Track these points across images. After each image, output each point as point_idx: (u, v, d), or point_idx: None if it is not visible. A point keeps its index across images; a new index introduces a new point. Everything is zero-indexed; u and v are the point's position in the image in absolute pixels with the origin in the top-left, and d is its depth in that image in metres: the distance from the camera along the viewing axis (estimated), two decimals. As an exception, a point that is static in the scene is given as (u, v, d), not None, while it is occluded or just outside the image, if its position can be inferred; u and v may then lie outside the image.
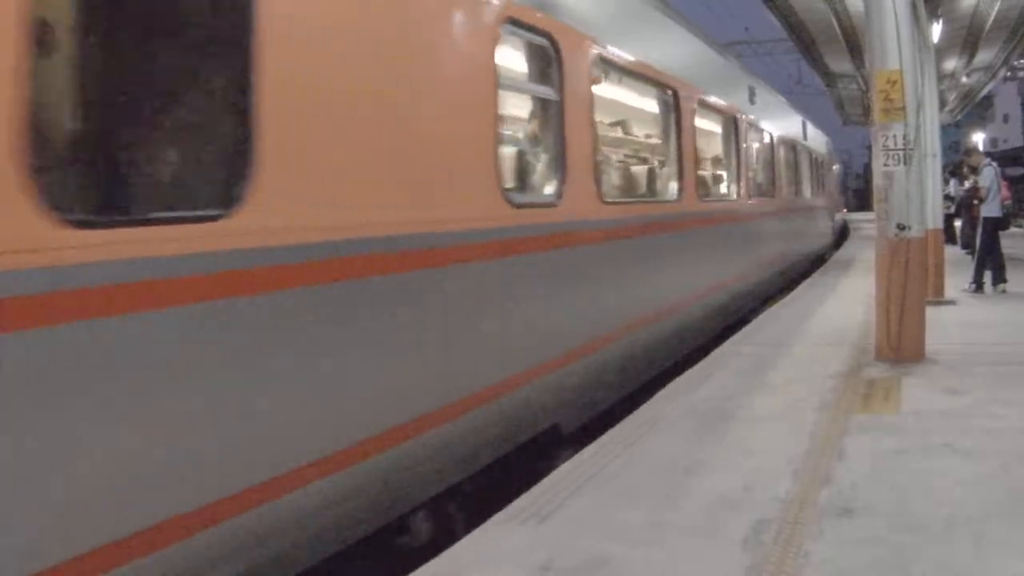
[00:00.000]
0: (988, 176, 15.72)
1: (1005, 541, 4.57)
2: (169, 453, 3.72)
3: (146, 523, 3.60)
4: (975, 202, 17.29)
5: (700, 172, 12.32)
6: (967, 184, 19.46)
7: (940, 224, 16.38)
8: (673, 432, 6.93)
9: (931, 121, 15.39)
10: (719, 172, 14.41)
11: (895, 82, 9.01)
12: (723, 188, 14.38)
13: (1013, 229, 16.86)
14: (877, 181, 9.33)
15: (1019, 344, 10.08)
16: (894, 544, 4.57)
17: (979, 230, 15.80)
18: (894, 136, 9.06)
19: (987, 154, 19.29)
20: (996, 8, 20.14)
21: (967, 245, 21.22)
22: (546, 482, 5.84)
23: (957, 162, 24.28)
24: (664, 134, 11.31)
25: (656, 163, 11.36)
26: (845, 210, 51.68)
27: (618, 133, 11.27)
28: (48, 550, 3.27)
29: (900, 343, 9.09)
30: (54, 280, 3.27)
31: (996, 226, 15.32)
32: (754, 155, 16.46)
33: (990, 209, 15.51)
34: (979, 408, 7.29)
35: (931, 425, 6.79)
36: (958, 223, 24.07)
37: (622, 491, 5.59)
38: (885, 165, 9.13)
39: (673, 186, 10.90)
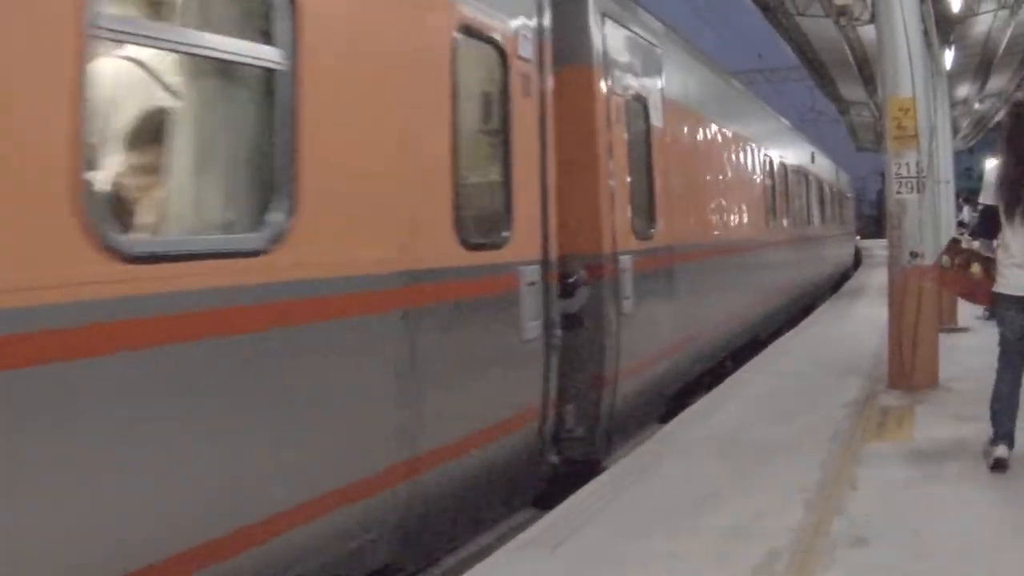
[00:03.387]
0: None
1: (1021, 570, 4.56)
2: None
3: None
4: None
5: None
6: (980, 210, 19.44)
7: (954, 251, 16.32)
8: (686, 461, 6.93)
9: (944, 147, 15.44)
10: None
11: (908, 110, 9.03)
12: None
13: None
14: (890, 208, 9.34)
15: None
16: (909, 573, 4.56)
17: None
18: (907, 164, 9.08)
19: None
20: (1008, 34, 20.21)
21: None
22: (560, 510, 5.85)
23: (973, 189, 24.25)
24: None
25: None
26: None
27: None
28: None
29: (913, 371, 9.06)
30: None
31: None
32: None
33: None
34: (993, 436, 7.27)
35: (944, 453, 6.77)
36: (972, 249, 23.95)
37: (635, 520, 5.59)
38: (898, 193, 9.15)
39: None
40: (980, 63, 23.66)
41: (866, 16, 14.95)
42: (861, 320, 15.94)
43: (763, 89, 39.79)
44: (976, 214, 21.13)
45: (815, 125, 44.41)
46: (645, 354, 8.57)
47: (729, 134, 13.53)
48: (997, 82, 27.30)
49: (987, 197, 6.39)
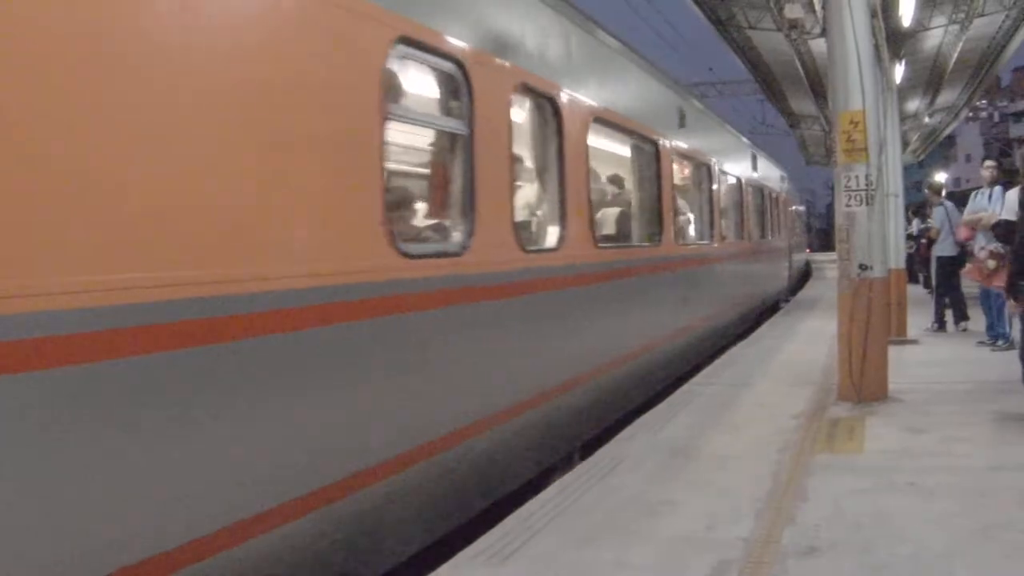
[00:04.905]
0: (938, 216, 15.73)
1: (970, 580, 4.57)
2: None
3: None
4: (923, 241, 17.41)
5: None
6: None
7: (903, 264, 16.46)
8: (636, 472, 6.90)
9: (894, 161, 15.53)
10: None
11: (857, 123, 9.07)
12: None
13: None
14: (839, 221, 9.35)
15: (980, 382, 10.13)
16: (858, 584, 4.56)
17: (933, 269, 15.83)
18: (856, 177, 9.11)
19: (949, 194, 19.43)
20: (958, 50, 20.45)
21: (928, 284, 21.32)
22: (509, 521, 5.79)
23: (921, 202, 24.46)
24: None
25: None
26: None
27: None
28: None
29: (863, 382, 9.10)
30: None
31: (953, 265, 15.09)
32: None
33: (943, 248, 15.47)
34: (942, 446, 7.31)
35: (895, 464, 6.80)
36: (919, 262, 24.17)
37: (585, 530, 5.55)
38: (847, 205, 9.18)
39: None
40: (930, 78, 23.93)
41: (817, 30, 15.11)
42: (811, 332, 16.03)
43: (714, 102, 40.01)
44: (924, 226, 21.49)
45: (766, 139, 44.79)
46: None
47: None
48: (947, 96, 27.64)
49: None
